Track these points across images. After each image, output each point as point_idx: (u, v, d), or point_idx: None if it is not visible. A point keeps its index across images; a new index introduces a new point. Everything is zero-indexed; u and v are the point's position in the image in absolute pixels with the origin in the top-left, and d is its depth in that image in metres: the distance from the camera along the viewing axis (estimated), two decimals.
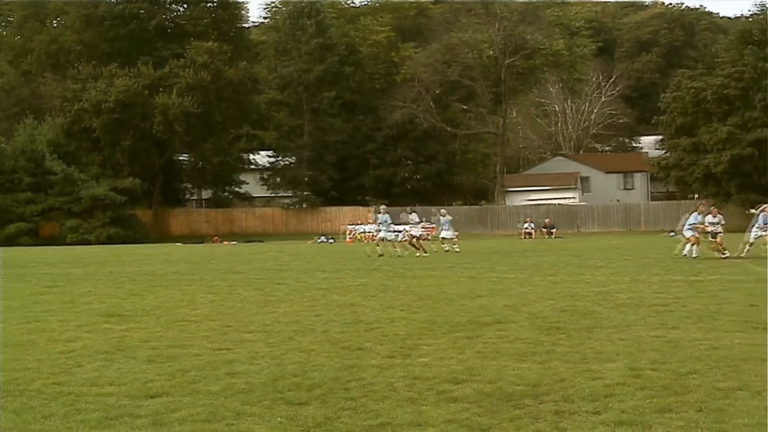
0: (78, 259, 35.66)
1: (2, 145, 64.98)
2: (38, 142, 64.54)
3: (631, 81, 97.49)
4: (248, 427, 6.84)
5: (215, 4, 74.93)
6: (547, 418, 6.96)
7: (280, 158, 75.72)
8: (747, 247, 28.26)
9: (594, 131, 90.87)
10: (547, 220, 61.32)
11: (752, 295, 15.70)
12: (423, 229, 36.50)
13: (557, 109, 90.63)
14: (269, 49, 76.49)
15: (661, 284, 18.66)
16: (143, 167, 68.89)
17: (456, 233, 38.05)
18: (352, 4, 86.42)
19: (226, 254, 38.95)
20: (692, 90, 60.55)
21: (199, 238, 63.82)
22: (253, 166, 76.05)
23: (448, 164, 76.18)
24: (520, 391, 7.87)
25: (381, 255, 32.08)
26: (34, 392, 8.21)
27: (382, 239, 34.37)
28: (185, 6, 75.21)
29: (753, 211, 29.49)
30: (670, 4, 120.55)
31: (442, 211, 39.06)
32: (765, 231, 28.38)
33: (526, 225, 59.87)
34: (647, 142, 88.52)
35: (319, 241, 57.07)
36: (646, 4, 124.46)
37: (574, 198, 74.09)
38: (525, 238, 57.14)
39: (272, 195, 76.59)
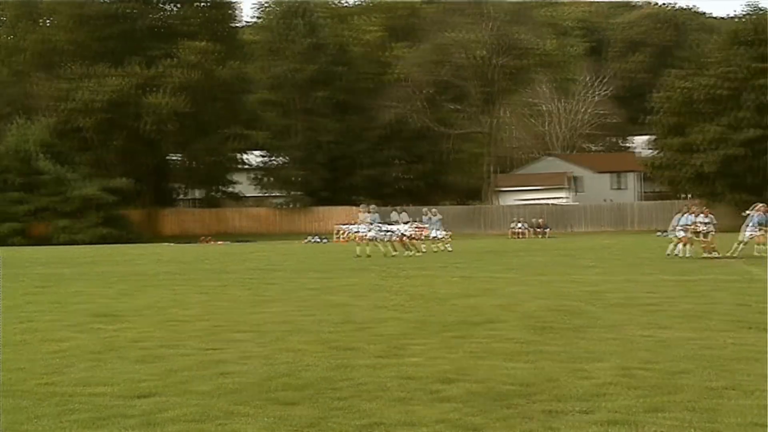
0: (69, 259, 35.56)
1: None
2: (29, 141, 64.26)
3: (622, 81, 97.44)
4: (239, 427, 6.82)
5: (208, 4, 74.65)
6: (538, 417, 6.95)
7: (271, 158, 75.80)
8: (741, 246, 28.30)
9: (585, 131, 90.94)
10: (540, 220, 61.39)
11: (744, 294, 15.74)
12: (415, 229, 36.47)
13: (548, 109, 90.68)
14: (261, 48, 76.35)
15: (652, 284, 18.71)
16: (134, 167, 68.71)
17: (447, 233, 38.07)
18: (343, 4, 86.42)
19: (217, 254, 38.89)
20: (683, 90, 60.72)
21: (190, 238, 63.61)
22: (244, 166, 75.90)
23: (439, 164, 76.17)
24: (511, 390, 7.86)
25: (369, 256, 32.00)
26: (26, 392, 8.18)
27: (372, 239, 34.33)
28: (177, 6, 74.97)
29: (748, 212, 29.54)
30: (662, 4, 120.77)
31: (433, 210, 39.09)
32: (759, 231, 28.44)
33: (518, 225, 59.94)
34: (638, 142, 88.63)
35: (312, 240, 56.97)
36: (637, 4, 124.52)
37: (565, 198, 74.17)
38: (516, 238, 57.20)
39: (264, 195, 76.44)
